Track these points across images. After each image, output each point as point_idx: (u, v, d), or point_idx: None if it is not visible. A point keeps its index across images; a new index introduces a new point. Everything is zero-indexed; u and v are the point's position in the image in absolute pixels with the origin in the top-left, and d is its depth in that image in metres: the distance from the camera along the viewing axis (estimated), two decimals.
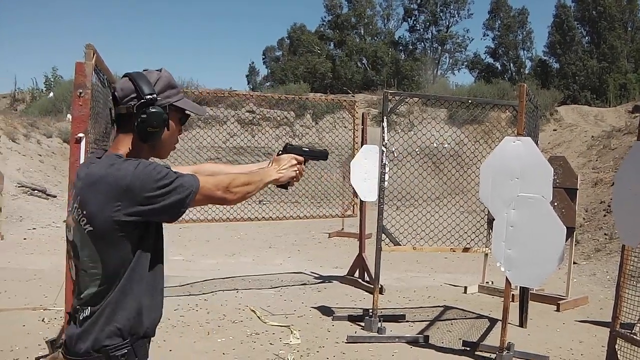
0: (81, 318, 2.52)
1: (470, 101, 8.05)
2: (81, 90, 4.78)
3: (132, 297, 2.51)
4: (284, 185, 3.09)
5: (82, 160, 4.73)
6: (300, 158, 3.09)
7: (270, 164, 3.05)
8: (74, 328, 2.55)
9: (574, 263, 10.19)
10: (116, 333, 2.49)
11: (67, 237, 2.66)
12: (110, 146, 2.76)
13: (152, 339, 2.65)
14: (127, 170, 2.43)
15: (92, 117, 5.31)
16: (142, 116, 2.53)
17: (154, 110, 2.54)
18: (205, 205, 2.82)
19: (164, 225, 2.66)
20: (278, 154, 3.09)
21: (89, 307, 2.51)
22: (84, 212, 2.48)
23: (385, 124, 7.37)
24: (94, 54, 5.06)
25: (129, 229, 2.45)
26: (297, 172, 3.08)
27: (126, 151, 2.61)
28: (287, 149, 3.13)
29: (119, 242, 2.46)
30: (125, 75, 2.62)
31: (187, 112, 2.74)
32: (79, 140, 4.73)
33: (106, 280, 2.49)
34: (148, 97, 2.54)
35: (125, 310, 2.50)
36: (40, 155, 21.71)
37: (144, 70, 2.66)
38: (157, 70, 2.68)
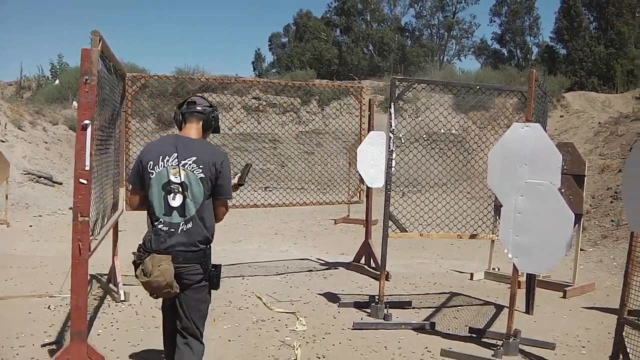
0: (184, 229, 4.31)
1: (478, 87, 7.99)
2: (87, 77, 4.75)
3: (210, 218, 4.44)
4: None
5: (88, 147, 4.71)
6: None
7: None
8: (178, 237, 4.29)
9: (581, 250, 10.16)
10: (206, 238, 4.39)
11: (171, 179, 4.30)
12: (183, 130, 4.56)
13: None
14: (222, 154, 4.48)
15: (98, 103, 5.29)
16: (213, 117, 4.62)
17: (216, 115, 4.69)
18: None
19: None
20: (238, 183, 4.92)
21: (190, 222, 4.32)
22: (200, 166, 4.32)
23: (392, 110, 7.33)
24: (100, 41, 5.04)
25: (215, 179, 4.36)
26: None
27: (198, 136, 4.54)
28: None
29: (211, 185, 4.37)
30: (198, 95, 4.83)
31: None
32: (85, 127, 4.71)
33: (201, 206, 4.34)
34: (215, 109, 4.69)
35: (208, 227, 4.40)
36: (46, 143, 21.71)
37: (201, 95, 5.06)
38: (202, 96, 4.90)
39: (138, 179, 4.44)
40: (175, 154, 4.33)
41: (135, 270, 4.35)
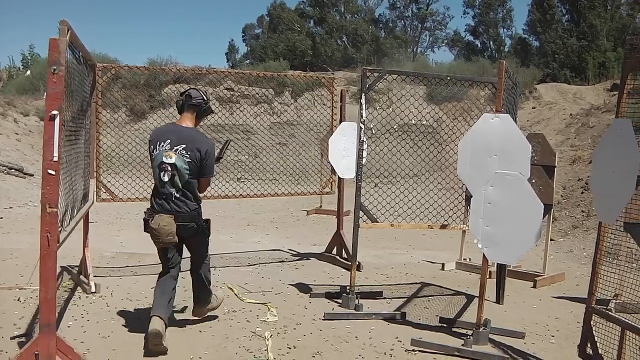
0: (174, 198, 5.92)
1: (449, 78, 8.01)
2: (55, 67, 4.69)
3: (194, 190, 5.99)
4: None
5: (56, 138, 4.66)
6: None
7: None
8: (169, 205, 5.92)
9: (551, 240, 10.23)
10: (193, 204, 6.02)
11: (164, 160, 5.87)
12: (179, 120, 6.14)
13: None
14: (208, 143, 5.99)
15: (67, 94, 5.23)
16: (205, 109, 6.13)
17: (208, 107, 6.14)
18: None
19: None
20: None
21: (179, 192, 5.92)
22: (188, 153, 5.85)
23: (363, 100, 7.32)
24: (68, 31, 4.98)
25: (200, 162, 5.89)
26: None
27: (192, 124, 6.09)
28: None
29: (197, 165, 5.89)
30: (193, 88, 6.18)
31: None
32: (53, 118, 4.66)
33: (186, 182, 5.89)
34: (208, 100, 6.12)
35: (194, 196, 6.01)
36: (17, 134, 21.51)
37: (196, 88, 6.29)
38: (204, 90, 6.45)
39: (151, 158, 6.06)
40: (169, 140, 5.89)
41: (146, 226, 6.00)
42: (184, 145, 5.86)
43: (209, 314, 6.81)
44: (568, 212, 13.75)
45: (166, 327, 5.88)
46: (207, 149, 5.94)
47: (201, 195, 6.23)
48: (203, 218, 6.20)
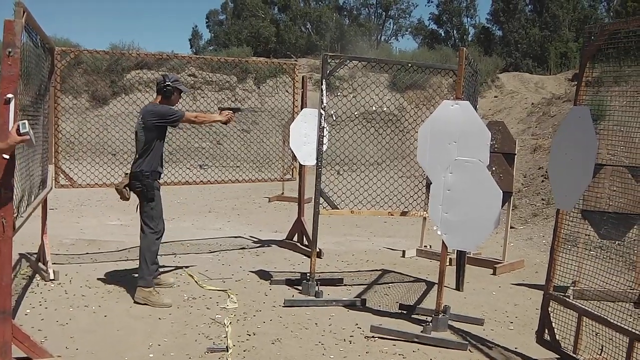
0: (134, 161, 7.06)
1: (410, 65, 8.00)
2: (10, 49, 4.61)
3: (152, 155, 7.02)
4: (224, 123, 7.56)
5: (11, 122, 4.58)
6: (231, 113, 7.65)
7: (219, 113, 7.59)
8: (134, 165, 7.05)
9: (511, 227, 10.31)
10: (147, 167, 7.00)
11: (136, 130, 7.09)
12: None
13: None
14: (162, 107, 7.11)
15: (22, 77, 5.15)
16: (166, 90, 7.14)
17: (169, 88, 7.13)
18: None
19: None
20: (220, 110, 7.73)
21: (138, 156, 7.02)
22: (142, 121, 7.00)
23: (324, 86, 7.29)
24: (24, 13, 4.90)
25: (155, 127, 6.99)
26: (230, 117, 7.57)
27: (156, 101, 7.22)
28: (224, 107, 7.84)
29: (152, 131, 6.98)
30: (162, 75, 7.34)
31: (181, 90, 7.32)
32: (8, 102, 4.57)
33: (144, 147, 7.00)
34: (168, 83, 7.14)
35: (150, 160, 7.01)
36: None
37: (166, 73, 7.95)
38: (172, 74, 8.07)
39: None
40: (140, 114, 7.16)
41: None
42: (141, 116, 7.12)
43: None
44: (528, 200, 13.87)
45: None
46: (147, 117, 7.07)
47: (161, 177, 7.40)
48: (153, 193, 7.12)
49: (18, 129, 4.55)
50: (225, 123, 7.58)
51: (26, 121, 4.68)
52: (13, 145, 4.58)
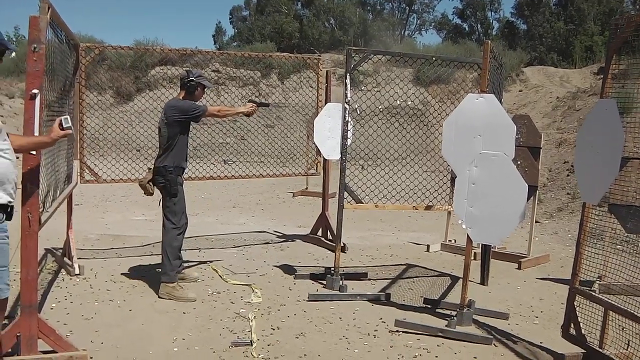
0: (157, 157, 7.13)
1: (434, 58, 7.97)
2: (35, 45, 4.64)
3: (175, 150, 7.04)
4: (247, 115, 7.72)
5: (37, 117, 4.62)
6: (254, 105, 7.80)
7: (243, 106, 7.66)
8: (156, 162, 7.11)
9: (537, 222, 10.26)
10: (170, 162, 7.00)
11: (160, 126, 7.13)
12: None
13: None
14: (184, 103, 7.11)
15: (47, 73, 5.18)
16: (189, 85, 7.15)
17: (192, 83, 7.15)
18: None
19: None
20: (249, 102, 7.80)
21: (162, 151, 7.06)
22: (166, 116, 6.99)
23: (348, 81, 7.28)
24: (49, 9, 4.94)
25: (177, 123, 7.01)
26: (253, 109, 7.71)
27: (179, 97, 7.22)
28: (250, 100, 7.80)
29: (174, 127, 7.00)
30: (186, 70, 7.37)
31: (205, 85, 7.35)
32: (33, 97, 4.61)
33: (167, 143, 7.01)
34: (192, 79, 7.16)
35: (173, 155, 7.02)
36: (2, 117, 21.24)
37: (190, 69, 7.60)
38: (196, 69, 8.00)
39: None
40: (163, 110, 7.18)
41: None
42: (164, 111, 7.15)
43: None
44: (554, 194, 13.79)
45: None
46: (169, 112, 7.10)
47: (184, 172, 7.45)
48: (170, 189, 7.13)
49: (61, 124, 4.62)
50: (248, 115, 7.76)
51: (68, 116, 4.77)
52: (57, 139, 4.70)
